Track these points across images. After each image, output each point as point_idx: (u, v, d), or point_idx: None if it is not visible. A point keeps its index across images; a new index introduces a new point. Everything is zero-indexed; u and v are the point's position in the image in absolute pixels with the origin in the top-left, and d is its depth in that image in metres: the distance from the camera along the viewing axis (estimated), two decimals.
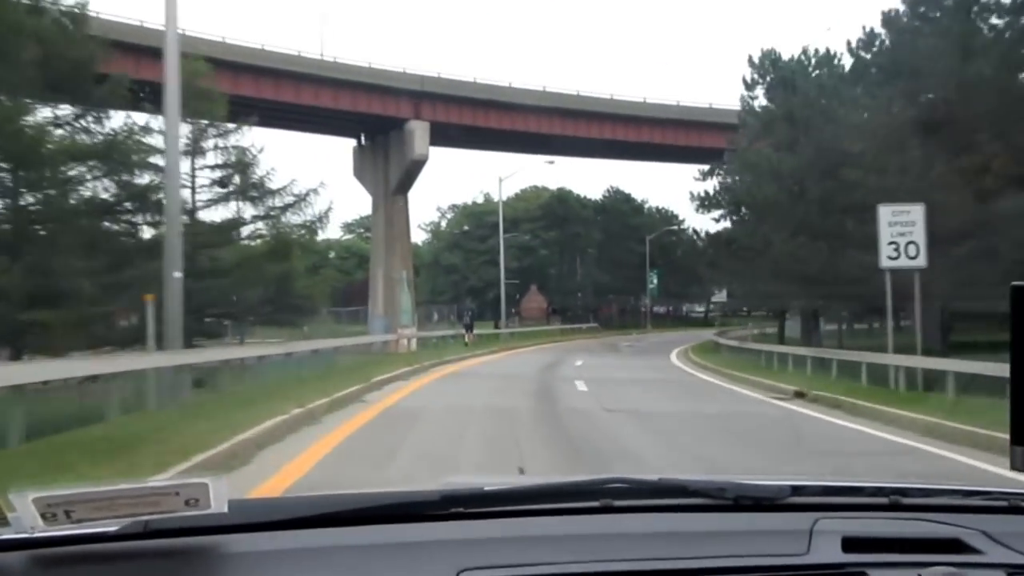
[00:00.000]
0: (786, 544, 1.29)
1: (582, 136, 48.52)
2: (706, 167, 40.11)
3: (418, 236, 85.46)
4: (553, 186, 74.70)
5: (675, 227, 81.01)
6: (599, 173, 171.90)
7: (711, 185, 37.94)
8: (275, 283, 19.93)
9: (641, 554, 1.27)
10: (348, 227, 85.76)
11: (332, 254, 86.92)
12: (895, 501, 1.46)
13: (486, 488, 1.46)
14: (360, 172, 49.89)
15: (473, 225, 73.56)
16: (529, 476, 3.56)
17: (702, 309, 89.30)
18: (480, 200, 76.74)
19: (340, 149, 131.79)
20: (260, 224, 21.84)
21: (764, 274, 30.37)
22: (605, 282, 71.54)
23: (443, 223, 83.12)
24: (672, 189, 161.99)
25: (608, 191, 76.29)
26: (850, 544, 1.28)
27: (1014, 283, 0.91)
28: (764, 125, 31.19)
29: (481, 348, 31.85)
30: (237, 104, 21.58)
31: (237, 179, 21.09)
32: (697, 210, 37.21)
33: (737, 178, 33.86)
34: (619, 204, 74.27)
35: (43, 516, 1.07)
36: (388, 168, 47.43)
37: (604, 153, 54.16)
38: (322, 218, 22.01)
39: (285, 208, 21.44)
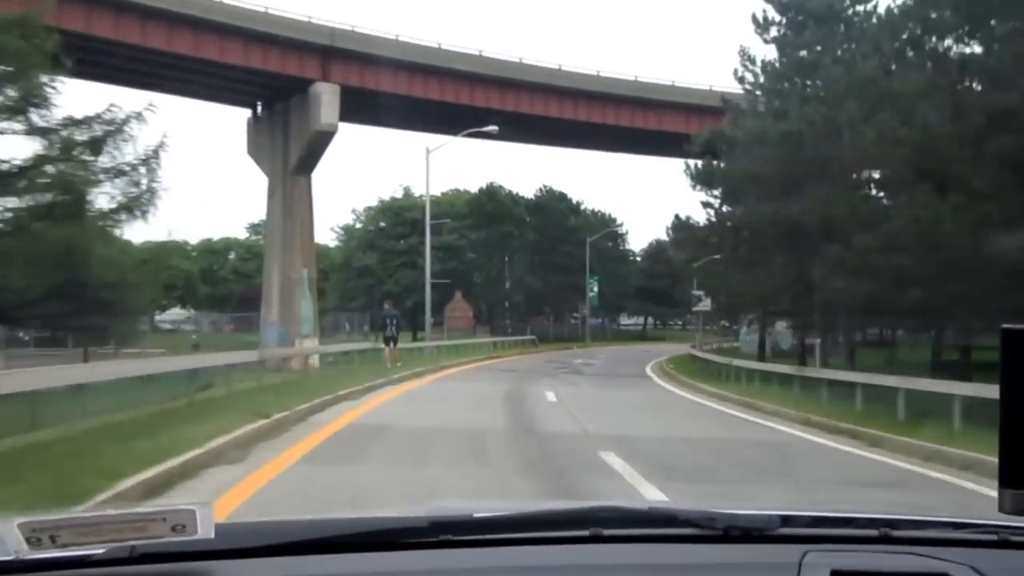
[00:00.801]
0: None
1: (524, 112, 40.85)
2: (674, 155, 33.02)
3: (327, 237, 76.41)
4: (481, 187, 66.78)
5: (616, 230, 74.59)
6: (530, 173, 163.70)
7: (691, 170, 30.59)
8: (58, 263, 11.37)
9: None
10: (255, 228, 75.67)
11: (232, 255, 76.93)
12: (885, 533, 1.45)
13: (475, 515, 1.46)
14: (255, 149, 41.05)
15: (391, 222, 65.01)
16: (519, 501, 3.34)
17: (632, 321, 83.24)
18: (399, 195, 68.22)
19: (235, 122, 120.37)
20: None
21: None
22: (537, 289, 64.02)
23: (357, 225, 74.23)
24: (611, 191, 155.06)
25: (542, 189, 68.96)
26: None
27: (1004, 326, 0.90)
28: (780, 77, 24.19)
29: (406, 367, 23.68)
30: (91, 49, 13.57)
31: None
32: (693, 187, 29.90)
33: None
34: (554, 203, 66.97)
35: (28, 541, 1.05)
36: (288, 142, 38.74)
37: (552, 136, 46.55)
38: (151, 190, 13.67)
39: (86, 145, 12.98)
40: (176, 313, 77.80)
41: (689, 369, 27.55)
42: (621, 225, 76.73)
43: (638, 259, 78.17)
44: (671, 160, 44.63)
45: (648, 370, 28.18)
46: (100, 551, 1.14)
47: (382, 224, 64.92)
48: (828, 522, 1.54)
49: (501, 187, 65.34)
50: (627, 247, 79.63)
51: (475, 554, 1.38)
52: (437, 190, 68.15)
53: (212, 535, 1.14)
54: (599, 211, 74.29)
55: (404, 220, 64.54)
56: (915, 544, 1.42)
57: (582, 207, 70.43)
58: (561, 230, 64.93)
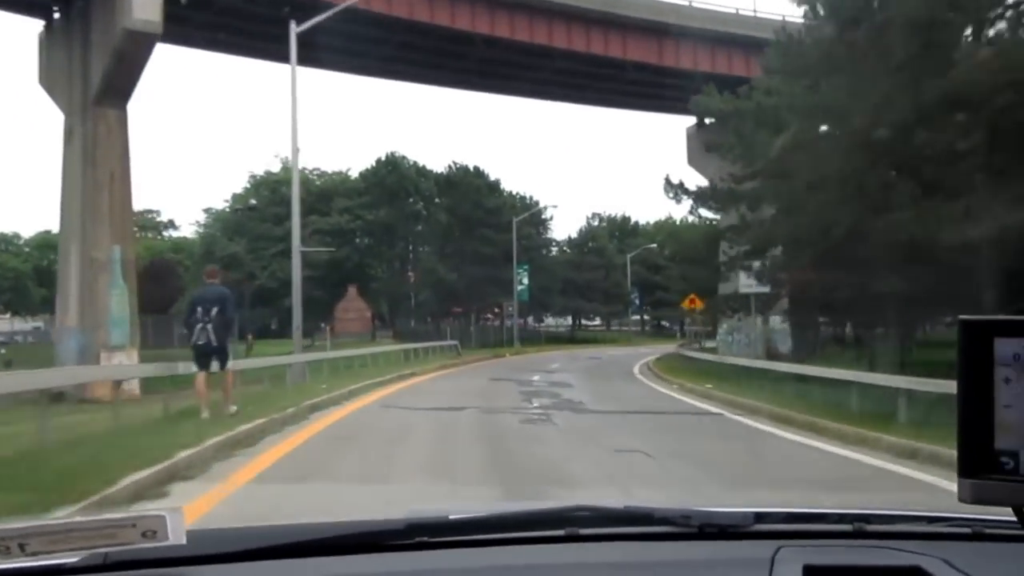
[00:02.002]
0: (748, 573, 1.29)
1: (474, 32, 28.91)
2: None
3: (190, 230, 62.24)
4: (379, 158, 54.23)
5: (540, 212, 63.45)
6: (440, 150, 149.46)
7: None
8: None
9: None
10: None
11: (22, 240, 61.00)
12: (858, 528, 1.46)
13: (451, 516, 1.46)
14: (49, 75, 27.73)
15: (265, 201, 51.86)
16: (495, 503, 3.45)
17: (555, 321, 72.56)
18: (277, 168, 54.95)
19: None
20: None
21: None
22: (451, 282, 52.14)
23: (228, 208, 60.37)
24: (528, 175, 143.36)
25: (454, 164, 57.13)
26: (811, 572, 1.28)
27: (961, 316, 0.94)
28: None
29: (251, 411, 11.45)
30: None
31: None
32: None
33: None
34: (470, 179, 55.18)
35: None
36: (88, 56, 25.66)
37: (483, 79, 34.70)
38: None
39: None
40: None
41: (775, 394, 15.38)
42: (545, 209, 65.75)
43: (565, 249, 67.32)
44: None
45: (707, 405, 16.40)
46: (73, 559, 1.14)
47: (252, 202, 51.53)
48: (801, 518, 1.55)
49: (404, 157, 53.14)
50: (551, 235, 68.79)
51: (452, 555, 1.37)
52: (327, 165, 55.57)
53: (184, 541, 1.11)
54: (519, 193, 63.08)
55: (282, 198, 51.44)
56: (888, 539, 1.43)
57: (501, 187, 58.82)
58: (478, 211, 53.25)
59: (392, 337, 46.24)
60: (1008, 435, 0.91)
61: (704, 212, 32.88)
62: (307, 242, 49.04)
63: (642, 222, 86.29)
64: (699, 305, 35.62)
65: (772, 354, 29.91)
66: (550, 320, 71.82)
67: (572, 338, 65.57)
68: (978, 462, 0.92)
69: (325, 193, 51.25)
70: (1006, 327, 0.91)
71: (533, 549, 1.42)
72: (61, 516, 1.54)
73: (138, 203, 32.35)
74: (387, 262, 52.90)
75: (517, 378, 22.26)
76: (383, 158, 51.98)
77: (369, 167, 52.31)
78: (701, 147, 38.68)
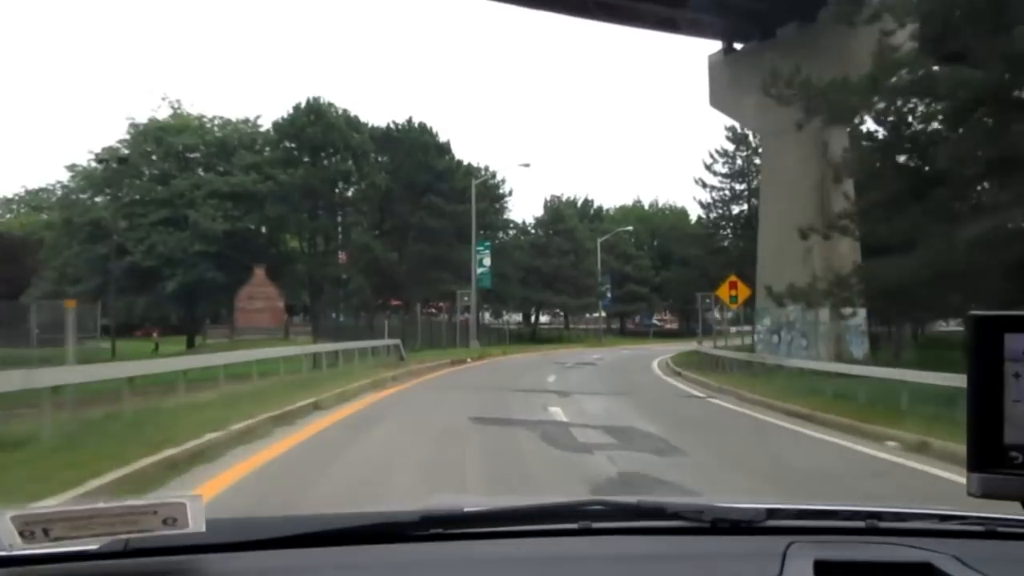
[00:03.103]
0: (759, 567, 1.29)
1: None
2: None
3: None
4: (299, 104, 42.28)
5: (498, 185, 52.53)
6: (381, 108, 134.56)
7: None
8: None
9: None
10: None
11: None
12: (870, 525, 1.47)
13: (466, 509, 1.48)
14: None
15: (144, 155, 39.70)
16: (510, 497, 3.37)
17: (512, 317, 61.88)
18: (164, 114, 42.60)
19: None
20: None
21: None
22: (390, 263, 40.84)
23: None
24: (485, 146, 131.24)
25: (394, 123, 45.61)
26: (822, 568, 1.28)
27: (971, 312, 0.95)
28: None
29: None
30: None
31: None
32: None
33: None
34: (415, 136, 43.87)
35: (21, 534, 1.05)
36: None
37: None
38: None
39: None
40: None
41: None
42: (503, 182, 54.85)
43: (531, 230, 56.52)
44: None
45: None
46: (94, 546, 1.15)
47: (124, 152, 39.21)
48: (813, 514, 1.55)
49: (331, 104, 41.53)
50: (509, 215, 57.99)
51: (465, 546, 1.38)
52: (232, 111, 43.53)
53: (203, 528, 1.12)
54: (473, 164, 52.07)
55: (169, 151, 39.42)
56: (899, 535, 1.43)
57: (452, 150, 47.56)
58: (425, 174, 42.04)
59: (312, 335, 34.82)
60: (1018, 430, 0.91)
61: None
62: (200, 207, 37.13)
63: (607, 207, 76.60)
64: (744, 292, 25.19)
65: (845, 357, 23.16)
66: (505, 316, 61.05)
67: (533, 336, 54.86)
68: (988, 457, 0.92)
69: (226, 145, 39.39)
70: (1017, 322, 0.92)
71: (546, 542, 1.42)
72: (86, 503, 1.00)
73: None
74: (307, 236, 41.31)
75: (526, 415, 11.30)
76: (303, 104, 40.31)
77: (286, 115, 40.58)
78: (732, 80, 28.49)
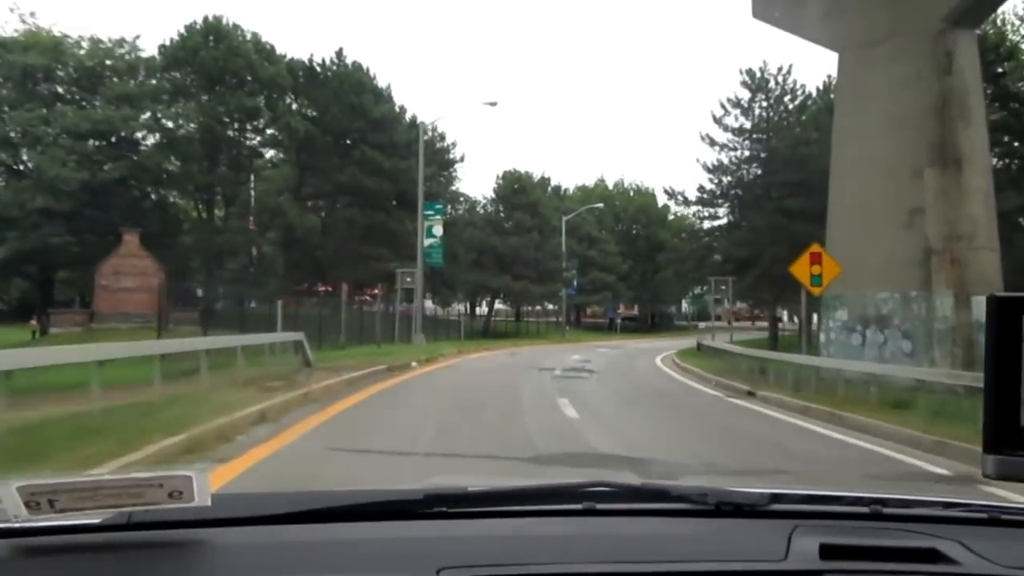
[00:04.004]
0: (764, 550, 1.30)
1: None
2: None
3: None
4: (192, 24, 32.36)
5: (447, 149, 43.65)
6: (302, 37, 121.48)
7: None
8: None
9: (622, 557, 1.28)
10: None
11: None
12: (875, 510, 1.47)
13: (470, 488, 1.48)
14: None
15: None
16: (513, 478, 3.33)
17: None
18: (11, 29, 32.15)
19: None
20: None
21: None
22: (310, 233, 31.56)
23: None
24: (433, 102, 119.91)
25: (320, 60, 36.09)
26: (827, 551, 1.28)
27: (990, 294, 0.96)
28: None
29: None
30: None
31: None
32: None
33: None
34: (348, 76, 34.55)
35: (27, 505, 1.06)
36: None
37: None
38: None
39: None
40: None
41: None
42: (454, 146, 45.87)
43: (486, 207, 47.74)
44: None
45: None
46: (99, 518, 1.15)
47: None
48: (818, 499, 1.55)
49: (237, 26, 31.89)
50: (460, 188, 49.14)
51: (469, 525, 1.39)
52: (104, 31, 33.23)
53: (208, 503, 1.13)
54: (421, 119, 42.97)
55: (9, 73, 29.40)
56: (904, 521, 1.44)
57: (392, 98, 38.26)
58: (358, 121, 32.91)
59: (201, 324, 25.51)
60: None
61: None
62: (48, 149, 27.30)
63: (566, 187, 68.15)
64: (832, 269, 16.99)
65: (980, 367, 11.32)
66: (456, 305, 52.18)
67: (487, 330, 46.12)
68: (1003, 438, 0.93)
69: (93, 73, 29.55)
70: None
71: (550, 522, 1.42)
72: (92, 475, 1.09)
73: None
74: (201, 195, 31.73)
75: None
76: (199, 23, 30.64)
77: (176, 36, 30.82)
78: None
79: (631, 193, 70.14)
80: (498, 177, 48.07)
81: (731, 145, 33.72)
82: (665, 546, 1.34)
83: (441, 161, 44.58)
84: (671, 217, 72.45)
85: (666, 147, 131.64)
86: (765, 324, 70.89)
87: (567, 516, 1.44)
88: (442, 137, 45.78)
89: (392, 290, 30.95)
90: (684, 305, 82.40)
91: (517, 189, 45.43)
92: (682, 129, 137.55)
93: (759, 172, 33.21)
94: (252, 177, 31.81)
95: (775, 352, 19.43)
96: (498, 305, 53.92)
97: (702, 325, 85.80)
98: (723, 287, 28.23)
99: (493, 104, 27.79)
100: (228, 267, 30.60)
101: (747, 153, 33.23)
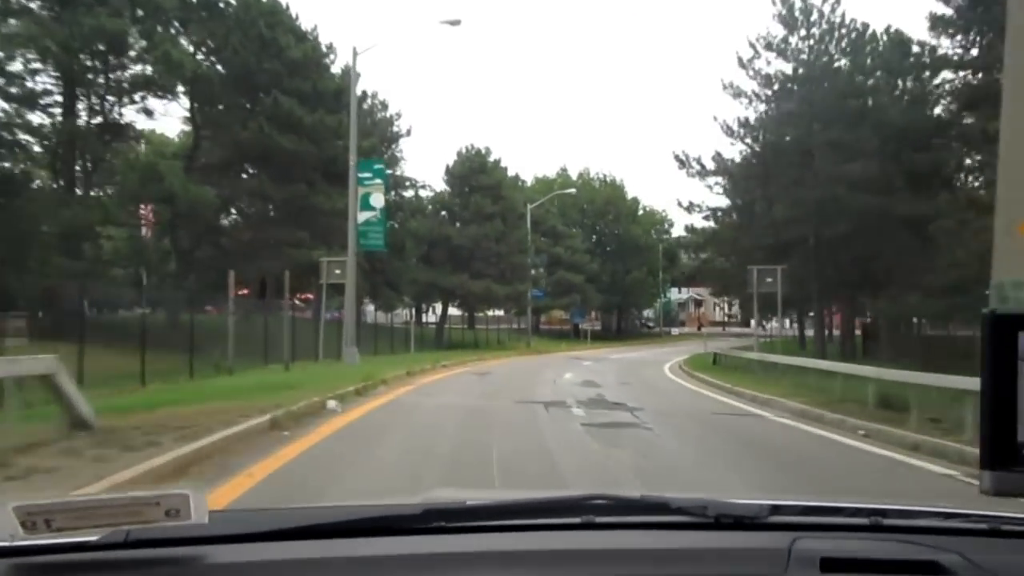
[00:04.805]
0: (764, 563, 1.29)
1: None
2: None
3: None
4: None
5: (394, 121, 35.60)
6: None
7: None
8: None
9: (621, 570, 1.28)
10: None
11: None
12: (875, 522, 1.45)
13: (468, 503, 1.47)
14: None
15: None
16: (512, 491, 3.28)
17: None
18: None
19: None
20: None
21: None
22: (205, 206, 23.09)
23: None
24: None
25: None
26: (828, 564, 1.27)
27: (985, 310, 0.96)
28: None
29: None
30: None
31: None
32: None
33: None
34: (255, 2, 26.13)
35: (23, 525, 1.05)
36: None
37: None
38: None
39: None
40: None
41: None
42: (399, 116, 37.69)
43: (435, 194, 39.55)
44: None
45: None
46: (95, 537, 1.14)
47: None
48: (818, 511, 1.53)
49: None
50: (406, 172, 40.82)
51: (468, 540, 1.36)
52: None
53: (206, 520, 1.12)
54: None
55: None
56: (904, 532, 1.42)
57: (317, 38, 29.74)
58: (271, 61, 24.62)
59: (29, 335, 16.96)
60: None
61: None
62: None
63: (524, 177, 60.08)
64: None
65: None
66: (401, 311, 43.73)
67: (440, 339, 37.89)
68: (1001, 455, 0.93)
69: None
70: None
71: (549, 536, 1.40)
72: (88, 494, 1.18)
73: None
74: (48, 151, 22.93)
75: None
76: None
77: None
78: None
79: (596, 184, 62.47)
80: (457, 156, 39.70)
81: (761, 97, 26.20)
82: (664, 559, 1.32)
83: (384, 135, 36.47)
84: (641, 212, 65.43)
85: (634, 136, 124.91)
86: (741, 330, 64.28)
87: (566, 530, 1.42)
88: (384, 105, 37.72)
89: (319, 287, 22.68)
90: (647, 312, 74.82)
91: (477, 168, 37.40)
92: (651, 115, 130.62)
93: (798, 132, 25.74)
94: (119, 124, 23.16)
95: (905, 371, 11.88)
96: (450, 310, 45.72)
97: (675, 331, 79.17)
98: (769, 279, 20.75)
99: (455, 23, 19.81)
100: (83, 253, 21.91)
101: (786, 108, 25.69)
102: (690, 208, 30.86)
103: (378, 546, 1.30)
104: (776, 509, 1.45)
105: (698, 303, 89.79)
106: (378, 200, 20.02)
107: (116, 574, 1.18)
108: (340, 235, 22.40)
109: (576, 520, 1.42)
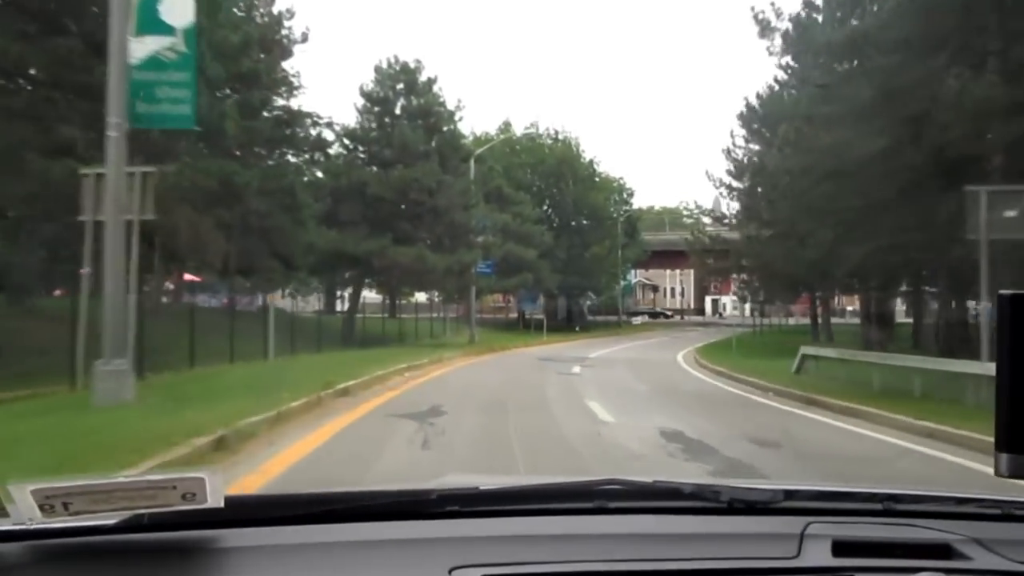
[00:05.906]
0: (777, 547, 1.29)
1: None
2: None
3: None
4: None
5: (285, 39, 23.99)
6: None
7: None
8: None
9: (634, 555, 1.28)
10: None
11: None
12: (887, 507, 1.45)
13: (482, 488, 1.46)
14: None
15: None
16: (526, 476, 3.19)
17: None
18: None
19: None
20: None
21: None
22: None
23: None
24: None
25: None
26: (840, 548, 1.27)
27: (1001, 292, 0.95)
28: None
29: None
30: None
31: None
32: None
33: None
34: None
35: (41, 508, 1.06)
36: None
37: None
38: None
39: None
40: None
41: None
42: (291, 15, 26.18)
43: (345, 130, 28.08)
44: None
45: None
46: (112, 520, 1.15)
47: None
48: (830, 496, 1.53)
49: None
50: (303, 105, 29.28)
51: (481, 524, 1.37)
52: None
53: (221, 503, 1.14)
54: None
55: None
56: (917, 517, 1.41)
57: None
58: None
59: None
60: None
61: None
62: None
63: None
64: None
65: None
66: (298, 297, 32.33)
67: (352, 330, 26.71)
68: (1018, 437, 0.92)
69: None
70: None
71: (562, 520, 1.40)
72: (105, 478, 1.01)
73: None
74: None
75: None
76: None
77: None
78: None
79: (547, 142, 51.68)
80: (376, 73, 28.20)
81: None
82: (677, 544, 1.31)
83: (263, 38, 24.98)
84: (598, 178, 55.00)
85: (589, 94, 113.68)
86: (699, 319, 54.42)
87: (579, 515, 1.41)
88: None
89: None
90: (593, 297, 64.29)
91: (404, 89, 26.22)
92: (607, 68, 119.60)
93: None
94: None
95: None
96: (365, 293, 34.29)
97: (636, 320, 69.26)
98: (1010, 211, 10.93)
99: None
100: None
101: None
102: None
103: (392, 530, 1.29)
104: (789, 494, 1.44)
105: (653, 288, 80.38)
106: (179, 14, 8.68)
107: (132, 557, 1.17)
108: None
109: (589, 505, 1.41)
